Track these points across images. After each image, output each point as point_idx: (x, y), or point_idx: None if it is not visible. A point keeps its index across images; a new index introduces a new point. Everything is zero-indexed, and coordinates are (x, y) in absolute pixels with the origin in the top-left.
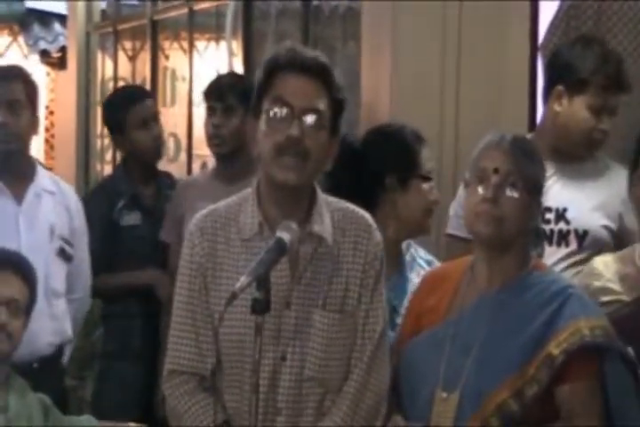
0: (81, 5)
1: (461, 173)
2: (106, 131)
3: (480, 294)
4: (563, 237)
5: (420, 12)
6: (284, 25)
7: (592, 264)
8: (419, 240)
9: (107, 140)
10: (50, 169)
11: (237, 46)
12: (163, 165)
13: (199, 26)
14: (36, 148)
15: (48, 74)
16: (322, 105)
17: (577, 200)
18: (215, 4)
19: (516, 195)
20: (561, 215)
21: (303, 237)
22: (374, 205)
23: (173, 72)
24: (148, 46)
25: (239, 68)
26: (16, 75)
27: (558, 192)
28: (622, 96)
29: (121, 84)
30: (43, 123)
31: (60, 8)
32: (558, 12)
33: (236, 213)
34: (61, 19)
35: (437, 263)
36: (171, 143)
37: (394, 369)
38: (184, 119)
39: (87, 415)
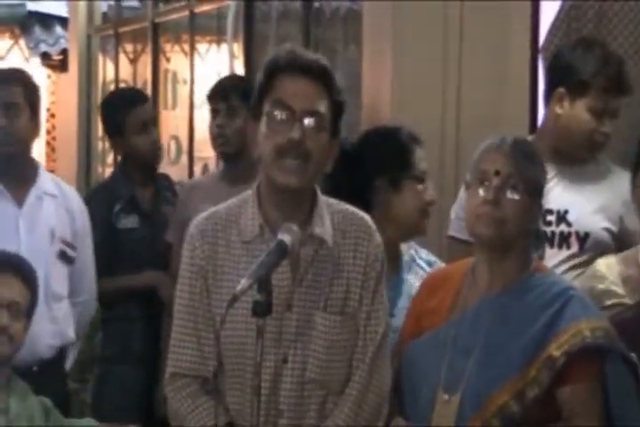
0: (82, 8)
1: (463, 175)
2: None
3: (481, 295)
4: (564, 240)
5: (421, 15)
6: (286, 27)
7: (595, 266)
8: (422, 241)
9: (108, 143)
10: (51, 171)
11: (238, 49)
12: (164, 168)
13: (200, 28)
14: (38, 150)
15: (49, 76)
16: (322, 107)
17: (578, 202)
18: (216, 6)
19: (516, 197)
20: (562, 217)
21: (304, 240)
22: (370, 206)
23: (174, 75)
24: (149, 49)
25: (240, 71)
26: (16, 78)
27: (559, 194)
28: (623, 98)
29: (123, 86)
30: (44, 125)
31: (61, 11)
32: (559, 13)
33: (237, 216)
34: (62, 21)
35: (440, 264)
36: (172, 146)
37: (395, 371)
38: (185, 122)
39: (88, 418)
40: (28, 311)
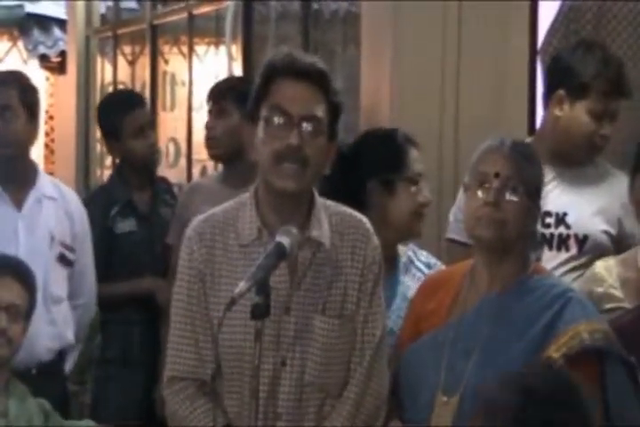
0: (80, 10)
1: (462, 177)
2: None
3: (480, 297)
4: (563, 242)
5: (420, 16)
6: (284, 29)
7: (594, 269)
8: (420, 243)
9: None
10: (50, 174)
11: (237, 50)
12: (162, 170)
13: (199, 30)
14: (36, 152)
15: (47, 78)
16: (320, 111)
17: (577, 205)
18: (215, 8)
19: (516, 199)
20: (561, 220)
21: (302, 242)
22: (365, 208)
23: (173, 76)
24: (147, 51)
25: (239, 72)
26: (12, 80)
27: (558, 197)
28: (623, 101)
29: (119, 89)
30: (42, 127)
31: (60, 13)
32: (558, 15)
33: (235, 219)
34: (61, 23)
35: (440, 266)
36: (170, 148)
37: (392, 374)
38: (184, 124)
39: (87, 420)
40: (26, 314)
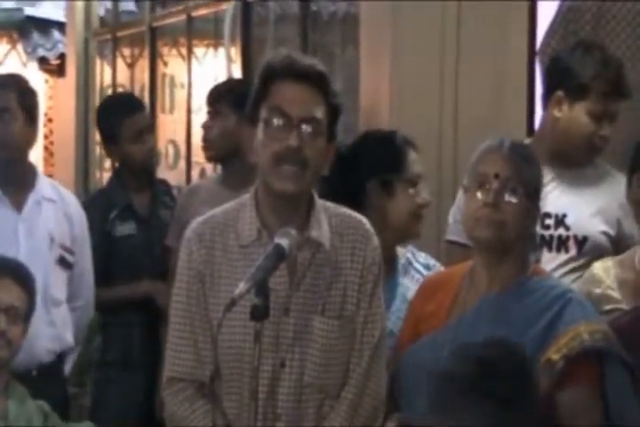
0: (79, 12)
1: (461, 178)
2: None
3: (480, 298)
4: (562, 243)
5: (419, 17)
6: (283, 30)
7: (592, 270)
8: (419, 245)
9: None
10: (49, 176)
11: (236, 52)
12: (161, 173)
13: (198, 32)
14: (35, 155)
15: (47, 81)
16: (319, 113)
17: (576, 206)
18: (214, 10)
19: (515, 200)
20: (560, 221)
21: (301, 243)
22: (363, 209)
23: (172, 79)
24: (146, 53)
25: (238, 75)
26: (10, 83)
27: (557, 198)
28: (622, 102)
29: (120, 91)
30: (41, 130)
31: (59, 15)
32: (556, 15)
33: (234, 220)
34: (60, 26)
35: (439, 267)
36: (170, 150)
37: (391, 375)
38: (183, 126)
39: (86, 422)
40: (26, 316)
